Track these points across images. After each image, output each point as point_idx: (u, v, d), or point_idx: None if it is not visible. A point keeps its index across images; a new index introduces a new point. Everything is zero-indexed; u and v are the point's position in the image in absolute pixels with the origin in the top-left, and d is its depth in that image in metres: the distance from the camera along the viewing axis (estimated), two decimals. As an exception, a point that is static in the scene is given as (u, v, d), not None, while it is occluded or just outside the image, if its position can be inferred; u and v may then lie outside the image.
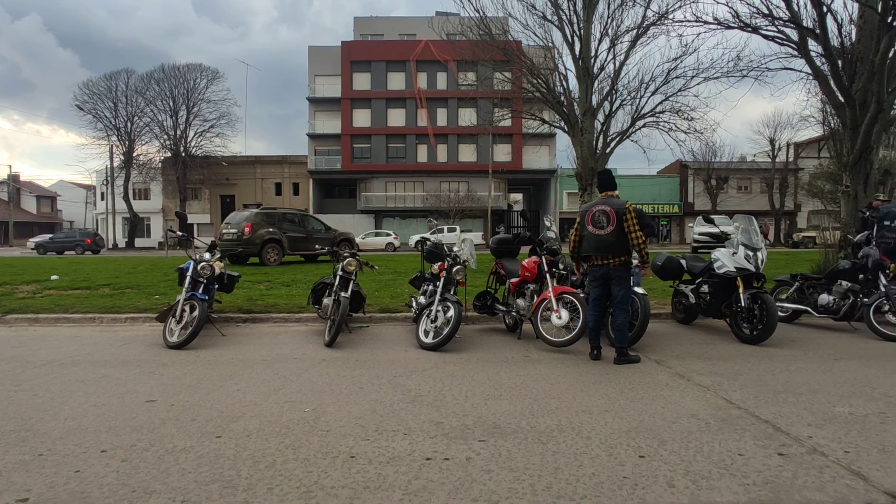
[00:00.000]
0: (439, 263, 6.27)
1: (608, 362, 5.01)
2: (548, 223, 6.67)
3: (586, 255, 5.30)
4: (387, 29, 45.33)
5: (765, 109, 74.88)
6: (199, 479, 2.60)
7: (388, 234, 34.94)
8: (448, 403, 3.79)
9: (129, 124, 43.21)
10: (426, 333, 5.68)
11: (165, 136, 43.67)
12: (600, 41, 15.89)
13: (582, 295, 5.62)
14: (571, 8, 15.67)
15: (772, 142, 41.99)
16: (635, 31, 15.52)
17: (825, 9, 10.53)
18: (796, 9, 10.87)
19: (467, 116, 38.11)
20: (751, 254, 5.99)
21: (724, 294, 6.17)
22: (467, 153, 43.53)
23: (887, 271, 6.43)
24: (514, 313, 6.27)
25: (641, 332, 5.53)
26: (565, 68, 16.55)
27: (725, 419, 3.45)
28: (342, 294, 5.92)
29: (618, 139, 16.28)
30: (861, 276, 6.66)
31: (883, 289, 6.30)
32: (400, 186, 43.97)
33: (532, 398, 3.90)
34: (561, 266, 6.16)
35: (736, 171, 44.82)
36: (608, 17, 15.54)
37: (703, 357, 5.25)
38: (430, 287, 6.35)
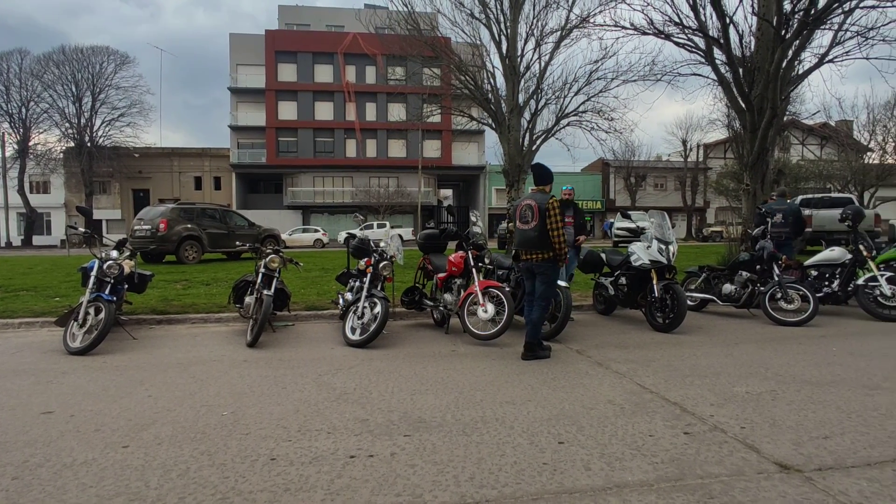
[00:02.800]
0: (366, 259, 6.19)
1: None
2: (474, 218, 6.76)
3: (516, 249, 5.34)
4: (313, 19, 44.06)
5: (678, 112, 79.93)
6: (101, 493, 2.41)
7: (317, 231, 34.10)
8: (374, 400, 3.75)
9: (23, 110, 39.27)
10: (353, 330, 5.60)
11: (67, 125, 40.07)
12: (526, 41, 16.27)
13: (507, 289, 5.74)
14: (498, 7, 15.93)
15: (684, 143, 44.84)
16: (559, 32, 16.04)
17: (728, 20, 11.35)
18: (703, 19, 11.65)
19: (396, 111, 37.87)
20: (663, 247, 6.37)
21: (640, 285, 6.53)
22: (397, 148, 43.25)
23: (780, 262, 7.04)
24: (441, 308, 6.31)
25: (563, 325, 5.74)
26: (493, 66, 16.83)
27: (639, 403, 3.65)
28: (265, 292, 5.71)
29: (543, 137, 16.78)
30: (758, 266, 7.26)
31: (776, 278, 6.90)
32: (328, 181, 43.00)
33: (458, 391, 3.95)
34: (487, 260, 6.27)
35: (653, 170, 47.50)
36: (534, 18, 15.94)
37: (620, 346, 5.52)
38: (357, 283, 6.26)
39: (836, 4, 10.57)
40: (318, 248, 29.31)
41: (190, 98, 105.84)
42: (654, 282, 6.24)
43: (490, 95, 16.45)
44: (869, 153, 38.40)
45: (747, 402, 3.64)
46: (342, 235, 6.88)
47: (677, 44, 12.34)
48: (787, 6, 11.10)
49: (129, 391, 3.99)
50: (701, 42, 11.91)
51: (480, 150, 44.40)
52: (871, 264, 7.04)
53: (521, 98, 16.23)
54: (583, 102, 16.70)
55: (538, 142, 16.62)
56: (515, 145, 16.38)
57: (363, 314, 5.62)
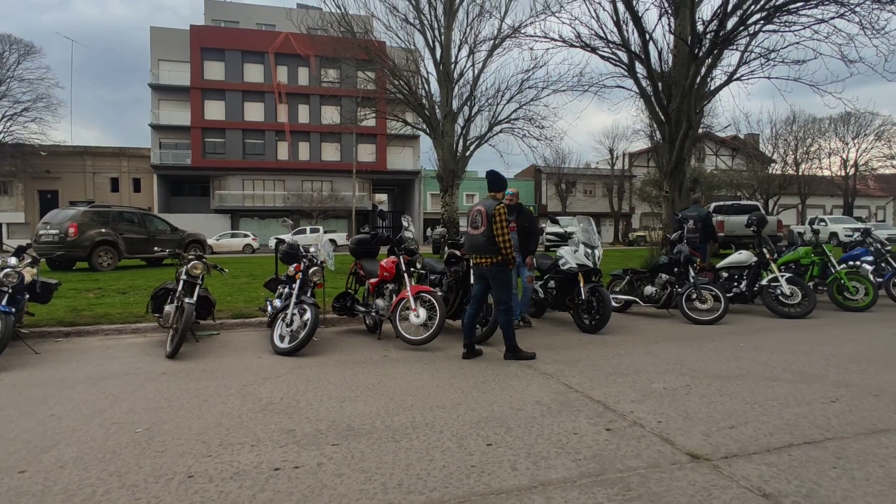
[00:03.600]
0: (295, 265, 6.03)
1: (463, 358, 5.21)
2: (405, 223, 6.75)
3: (468, 253, 5.39)
4: (242, 16, 42.53)
5: (605, 122, 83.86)
6: (-10, 523, 2.20)
7: (246, 235, 32.85)
8: (302, 409, 3.65)
9: None
10: (281, 338, 5.43)
11: (-38, 119, 36.50)
12: (460, 48, 16.53)
13: (440, 294, 5.77)
14: (432, 13, 16.07)
15: (611, 151, 47.01)
16: (492, 41, 16.40)
17: (648, 37, 12.03)
18: (626, 35, 12.29)
19: (330, 114, 37.27)
20: (590, 251, 6.64)
21: (568, 288, 6.75)
22: (330, 152, 42.49)
23: (695, 265, 7.52)
24: (373, 314, 6.25)
25: (494, 328, 5.82)
26: (427, 72, 16.97)
27: (565, 403, 3.76)
28: (186, 300, 5.42)
29: (477, 143, 17.07)
30: (676, 269, 7.71)
31: (692, 280, 7.35)
32: (259, 184, 41.56)
33: (388, 397, 3.91)
34: (419, 265, 6.27)
35: (582, 177, 49.42)
36: (467, 26, 16.22)
37: (549, 347, 5.68)
38: (286, 290, 6.08)
39: (742, 28, 11.46)
40: (247, 254, 28.24)
41: (105, 94, 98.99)
42: (582, 284, 6.48)
43: (424, 101, 16.55)
44: (773, 164, 41.89)
45: (664, 398, 3.84)
46: (273, 240, 6.67)
47: (603, 57, 12.94)
48: (700, 27, 11.91)
49: (29, 411, 3.67)
50: (624, 56, 12.56)
51: (416, 155, 44.47)
52: (773, 266, 7.65)
53: (455, 104, 16.44)
54: (515, 110, 17.18)
55: (472, 148, 16.88)
56: (449, 151, 16.56)
57: (292, 321, 5.46)
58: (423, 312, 5.50)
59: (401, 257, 5.90)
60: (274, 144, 41.43)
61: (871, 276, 8.11)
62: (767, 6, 11.06)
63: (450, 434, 3.17)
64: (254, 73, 41.01)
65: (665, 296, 7.64)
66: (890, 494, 2.41)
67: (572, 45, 13.14)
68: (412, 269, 6.04)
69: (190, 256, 5.89)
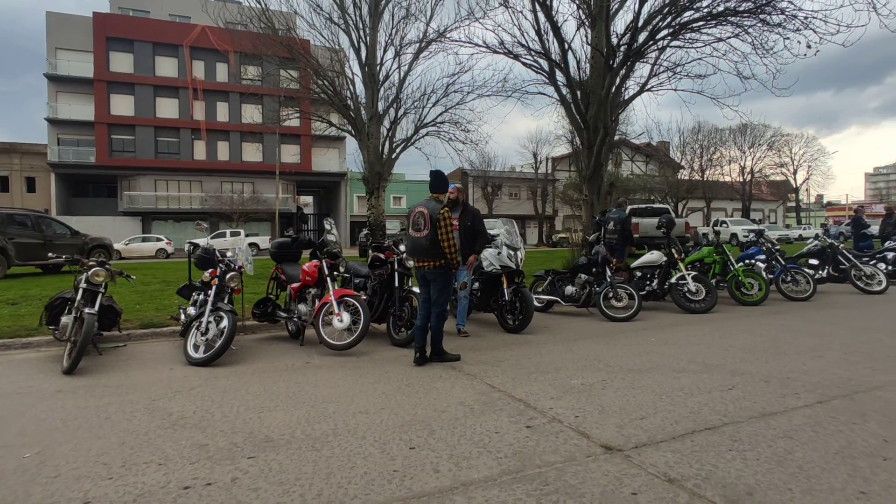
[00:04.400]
0: (211, 270, 5.74)
1: (388, 362, 5.17)
2: (328, 226, 6.62)
3: (409, 256, 5.22)
4: (154, 6, 39.93)
5: (530, 127, 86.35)
6: None
7: (160, 239, 30.82)
8: (216, 422, 3.47)
9: None
10: (196, 347, 5.14)
11: None
12: (386, 50, 16.43)
13: (364, 297, 5.69)
14: (357, 14, 15.88)
15: (535, 155, 48.55)
16: (418, 44, 16.43)
17: (567, 46, 12.54)
18: (546, 44, 12.74)
19: (250, 113, 35.86)
20: (512, 253, 6.80)
21: (492, 290, 6.89)
22: (252, 152, 40.75)
23: (611, 265, 7.90)
24: (295, 319, 6.06)
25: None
26: (352, 73, 16.73)
27: (487, 402, 3.83)
28: (86, 310, 4.99)
29: (403, 145, 17.04)
30: (594, 269, 8.07)
31: (608, 280, 7.72)
32: (173, 186, 39.15)
33: (310, 405, 3.81)
34: (342, 269, 6.16)
35: (507, 180, 50.66)
36: (393, 28, 16.16)
37: (473, 348, 5.76)
38: (201, 297, 5.78)
39: (651, 42, 12.22)
40: (161, 259, 26.55)
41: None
42: (505, 286, 6.63)
43: (350, 102, 16.32)
44: (682, 170, 45.08)
45: (582, 393, 4.00)
46: (188, 245, 6.28)
47: (525, 64, 13.34)
48: (614, 40, 12.58)
49: None
50: (545, 64, 13.01)
51: (341, 157, 43.67)
52: (681, 265, 8.20)
53: (380, 106, 16.34)
54: (441, 113, 17.31)
55: (398, 150, 16.83)
56: (375, 153, 16.43)
57: (208, 329, 5.18)
58: (346, 317, 5.40)
59: (323, 261, 5.77)
60: (190, 143, 39.22)
61: (763, 273, 8.89)
62: (673, 23, 11.86)
63: (372, 440, 3.12)
64: (167, 68, 38.62)
65: (584, 295, 7.96)
66: (776, 472, 2.64)
67: (496, 52, 13.45)
68: (335, 272, 5.92)
69: (91, 263, 5.44)
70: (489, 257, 6.85)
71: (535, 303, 7.78)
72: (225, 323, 5.14)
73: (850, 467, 2.69)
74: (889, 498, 2.39)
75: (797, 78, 12.22)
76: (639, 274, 8.84)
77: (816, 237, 10.85)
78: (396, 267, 6.07)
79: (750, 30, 11.38)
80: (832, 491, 2.45)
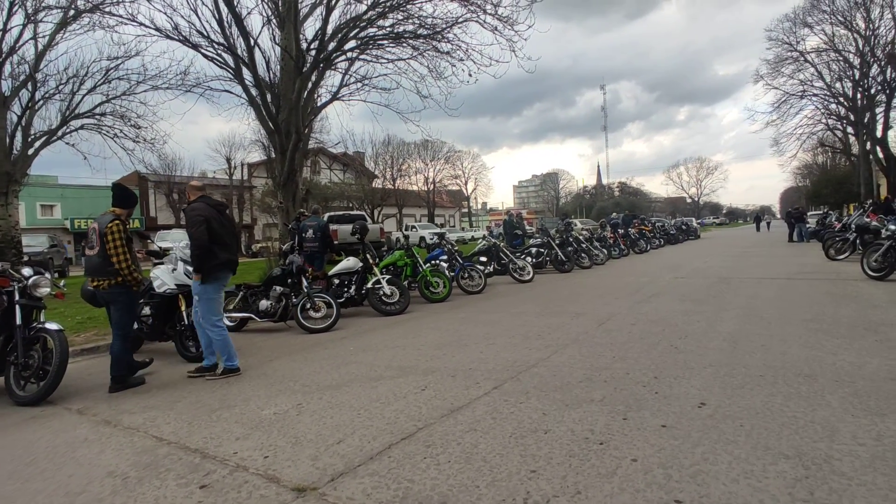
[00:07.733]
0: None
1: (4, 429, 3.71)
2: None
3: (87, 276, 4.89)
4: None
5: (222, 129, 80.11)
6: None
7: None
8: None
9: None
10: None
11: None
12: (11, 13, 12.66)
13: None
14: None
15: (228, 160, 45.11)
16: (62, 12, 13.17)
17: (254, 42, 11.76)
18: (230, 37, 11.69)
19: None
20: (191, 269, 5.80)
21: (167, 314, 5.76)
22: None
23: (307, 274, 7.58)
24: None
25: (59, 380, 4.39)
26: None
27: (149, 464, 2.99)
28: None
29: (45, 139, 13.42)
30: (290, 280, 7.62)
31: (305, 290, 7.38)
32: None
33: None
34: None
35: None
36: (19, -14, 12.55)
37: (142, 390, 4.65)
38: None
39: (340, 53, 12.48)
40: None
41: None
42: (183, 308, 5.61)
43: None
44: (376, 179, 48.51)
45: (273, 425, 3.52)
46: None
47: (207, 57, 12.01)
48: (304, 44, 12.39)
49: None
50: (230, 60, 11.93)
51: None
52: (376, 270, 8.45)
53: (4, 86, 12.50)
54: (101, 104, 14.33)
55: (37, 145, 13.18)
56: (2, 147, 12.51)
57: None
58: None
59: None
60: None
61: (446, 272, 9.92)
62: (360, 36, 12.35)
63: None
64: None
65: (281, 308, 7.44)
66: (466, 471, 2.66)
67: (169, 37, 11.74)
68: None
69: None
70: (161, 276, 5.71)
71: (227, 321, 6.89)
72: None
73: (522, 447, 2.90)
74: (552, 470, 2.62)
75: (463, 101, 14.32)
76: (336, 281, 8.78)
77: (484, 238, 12.80)
78: (17, 298, 4.48)
79: (425, 54, 12.69)
80: (510, 476, 2.57)
